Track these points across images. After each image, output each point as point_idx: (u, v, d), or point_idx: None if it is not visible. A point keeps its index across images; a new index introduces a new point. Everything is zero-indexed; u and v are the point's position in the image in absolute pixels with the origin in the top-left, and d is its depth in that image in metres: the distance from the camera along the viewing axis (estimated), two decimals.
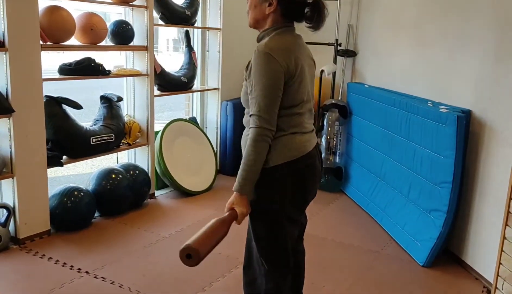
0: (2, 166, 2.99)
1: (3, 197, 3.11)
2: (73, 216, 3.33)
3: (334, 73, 5.03)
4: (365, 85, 4.46)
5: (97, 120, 3.68)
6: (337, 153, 4.58)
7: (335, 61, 4.98)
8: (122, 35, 3.66)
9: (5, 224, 3.01)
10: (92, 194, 3.51)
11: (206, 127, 4.87)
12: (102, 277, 2.72)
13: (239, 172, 1.74)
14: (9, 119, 2.94)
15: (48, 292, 2.55)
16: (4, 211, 3.04)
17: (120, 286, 2.64)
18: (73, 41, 3.37)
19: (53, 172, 4.82)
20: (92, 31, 3.40)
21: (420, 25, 3.77)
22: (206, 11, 4.69)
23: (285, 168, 1.80)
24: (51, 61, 3.46)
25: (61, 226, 3.33)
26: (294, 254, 2.06)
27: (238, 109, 4.69)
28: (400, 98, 3.64)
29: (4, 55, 2.87)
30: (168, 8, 4.10)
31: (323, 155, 4.56)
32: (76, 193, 3.38)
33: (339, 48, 4.96)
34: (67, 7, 3.31)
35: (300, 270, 2.16)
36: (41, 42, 3.08)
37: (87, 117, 3.77)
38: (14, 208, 3.06)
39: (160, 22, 4.11)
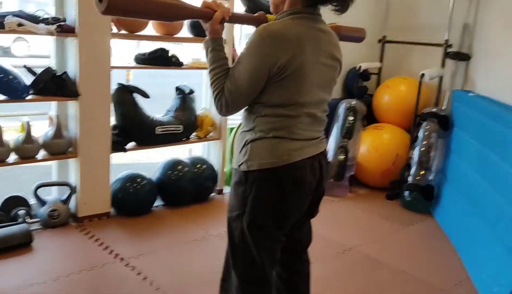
0: (69, 145, 3.16)
1: (69, 175, 3.30)
2: (132, 202, 3.40)
3: (441, 78, 4.43)
4: (470, 94, 3.82)
5: (169, 111, 3.72)
6: (431, 169, 4.00)
7: (443, 65, 4.39)
8: (198, 27, 3.63)
9: (66, 202, 3.18)
10: (154, 183, 3.55)
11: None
12: (132, 267, 2.71)
13: (212, 63, 1.61)
14: (76, 102, 3.09)
15: (77, 272, 2.61)
16: (67, 189, 3.21)
17: (143, 279, 2.59)
18: (149, 31, 3.45)
19: (134, 158, 5.05)
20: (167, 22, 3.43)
21: None
22: None
23: (260, 176, 1.57)
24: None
25: (122, 210, 3.43)
26: (286, 273, 1.85)
27: None
28: (500, 110, 3.02)
29: (75, 41, 3.02)
30: (254, 2, 3.98)
31: (412, 169, 4.03)
32: (138, 180, 3.45)
33: (449, 50, 4.35)
34: None
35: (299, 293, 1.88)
36: (114, 30, 3.19)
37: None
38: (76, 187, 3.22)
39: None
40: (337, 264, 2.94)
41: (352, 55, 4.71)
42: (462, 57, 4.31)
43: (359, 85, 4.74)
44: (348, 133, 4.25)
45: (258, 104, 1.59)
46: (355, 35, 2.14)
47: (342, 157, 4.19)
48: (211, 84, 1.60)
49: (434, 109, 4.11)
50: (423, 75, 4.10)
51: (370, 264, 2.99)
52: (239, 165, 1.63)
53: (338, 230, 3.47)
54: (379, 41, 4.85)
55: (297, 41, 1.52)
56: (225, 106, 1.57)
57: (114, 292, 2.46)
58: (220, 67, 1.59)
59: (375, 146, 4.32)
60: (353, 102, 4.38)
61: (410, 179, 4.02)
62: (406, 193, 4.00)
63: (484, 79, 4.01)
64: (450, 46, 4.33)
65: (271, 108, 1.56)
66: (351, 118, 4.29)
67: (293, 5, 1.58)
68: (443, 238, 3.46)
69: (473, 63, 4.25)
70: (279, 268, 1.88)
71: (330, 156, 4.25)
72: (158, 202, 3.63)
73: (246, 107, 1.63)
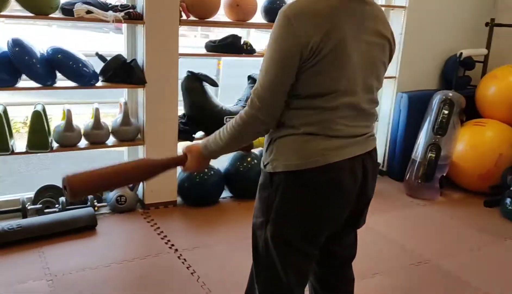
0: (137, 132, 3.19)
1: None
2: (199, 191, 3.35)
3: None
4: None
5: (240, 100, 3.60)
6: None
7: None
8: (273, 12, 3.44)
9: (133, 188, 3.22)
10: (222, 174, 3.46)
11: (377, 121, 4.26)
12: (184, 259, 2.64)
13: (218, 136, 1.44)
14: (143, 90, 3.10)
15: (130, 260, 2.60)
16: None
17: (191, 273, 2.50)
18: (220, 17, 3.34)
19: None
20: (238, 7, 3.29)
21: None
22: None
23: (286, 179, 1.35)
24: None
25: (188, 199, 3.39)
26: (322, 290, 1.63)
27: (414, 104, 3.95)
28: None
29: (142, 28, 3.01)
30: None
31: None
32: (206, 170, 3.38)
33: None
34: None
35: None
36: (183, 17, 3.13)
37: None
38: None
39: None
40: (407, 278, 2.58)
41: (452, 41, 4.18)
42: None
43: (460, 75, 4.19)
44: (441, 128, 3.77)
45: (289, 96, 1.37)
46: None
47: (432, 155, 3.73)
48: (235, 136, 1.43)
49: None
50: None
51: (448, 281, 2.59)
52: (265, 165, 1.44)
53: (417, 238, 3.08)
54: (487, 24, 4.22)
55: (330, 14, 1.29)
56: (260, 112, 1.33)
57: (158, 284, 2.40)
58: (222, 132, 1.44)
59: (474, 144, 3.78)
60: (450, 94, 3.87)
61: None
62: (508, 201, 3.44)
63: None
64: None
65: (304, 99, 1.33)
66: (445, 111, 3.80)
67: None
68: None
69: None
70: (316, 282, 1.66)
71: (419, 153, 3.81)
72: (225, 193, 3.54)
73: None
